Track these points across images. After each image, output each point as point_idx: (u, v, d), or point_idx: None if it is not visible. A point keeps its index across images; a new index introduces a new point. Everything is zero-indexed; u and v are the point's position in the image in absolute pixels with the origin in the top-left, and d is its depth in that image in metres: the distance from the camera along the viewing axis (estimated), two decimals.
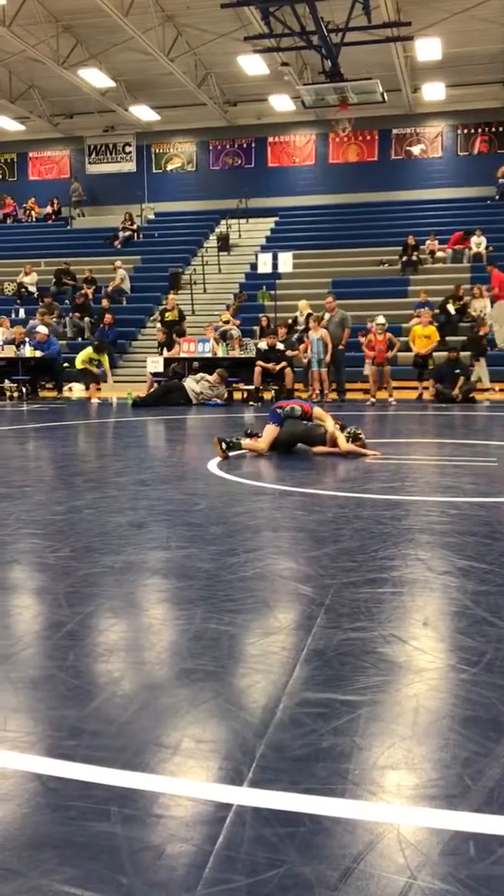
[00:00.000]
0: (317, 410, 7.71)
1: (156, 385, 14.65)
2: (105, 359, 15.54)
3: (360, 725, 2.06)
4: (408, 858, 1.52)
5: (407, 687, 2.31)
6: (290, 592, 3.25)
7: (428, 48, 19.96)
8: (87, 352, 15.24)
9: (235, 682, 2.35)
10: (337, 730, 2.03)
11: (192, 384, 14.19)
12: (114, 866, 1.50)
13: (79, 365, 15.19)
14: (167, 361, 15.52)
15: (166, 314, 17.36)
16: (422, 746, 1.96)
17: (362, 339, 15.04)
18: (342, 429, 7.50)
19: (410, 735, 2.02)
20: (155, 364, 15.47)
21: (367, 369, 14.68)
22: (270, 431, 7.52)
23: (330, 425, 7.43)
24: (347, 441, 7.36)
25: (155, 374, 15.26)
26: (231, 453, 7.37)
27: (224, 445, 7.33)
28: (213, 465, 6.77)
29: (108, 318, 18.26)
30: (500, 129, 25.08)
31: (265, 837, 1.59)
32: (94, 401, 14.75)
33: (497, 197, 23.75)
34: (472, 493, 5.52)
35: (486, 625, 2.80)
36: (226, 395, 14.72)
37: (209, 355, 15.39)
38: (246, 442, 7.55)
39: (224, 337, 15.85)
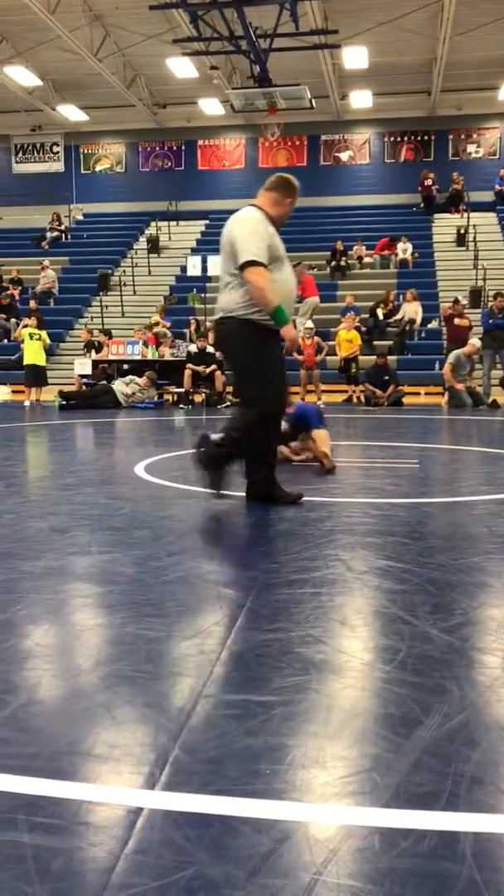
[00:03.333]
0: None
1: (84, 388, 14.50)
2: (45, 333, 15.33)
3: (274, 726, 2.08)
4: (315, 856, 1.54)
5: (322, 686, 2.34)
6: (212, 595, 3.26)
7: (355, 56, 20.29)
8: (28, 330, 14.97)
9: (152, 686, 2.35)
10: (250, 730, 2.04)
11: (121, 387, 14.09)
12: (19, 875, 1.49)
13: (28, 359, 14.78)
14: (95, 364, 15.38)
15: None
16: (333, 745, 1.99)
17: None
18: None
19: (323, 734, 2.04)
20: (82, 366, 15.32)
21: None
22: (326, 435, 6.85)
23: None
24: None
25: (83, 377, 15.11)
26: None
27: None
28: (140, 469, 6.73)
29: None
30: (425, 137, 25.65)
31: (174, 840, 1.59)
32: (27, 403, 14.49)
33: (422, 204, 24.27)
34: (394, 494, 5.62)
35: (401, 623, 2.86)
36: (156, 398, 14.67)
37: (138, 358, 15.32)
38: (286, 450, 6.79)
39: (158, 337, 15.84)
